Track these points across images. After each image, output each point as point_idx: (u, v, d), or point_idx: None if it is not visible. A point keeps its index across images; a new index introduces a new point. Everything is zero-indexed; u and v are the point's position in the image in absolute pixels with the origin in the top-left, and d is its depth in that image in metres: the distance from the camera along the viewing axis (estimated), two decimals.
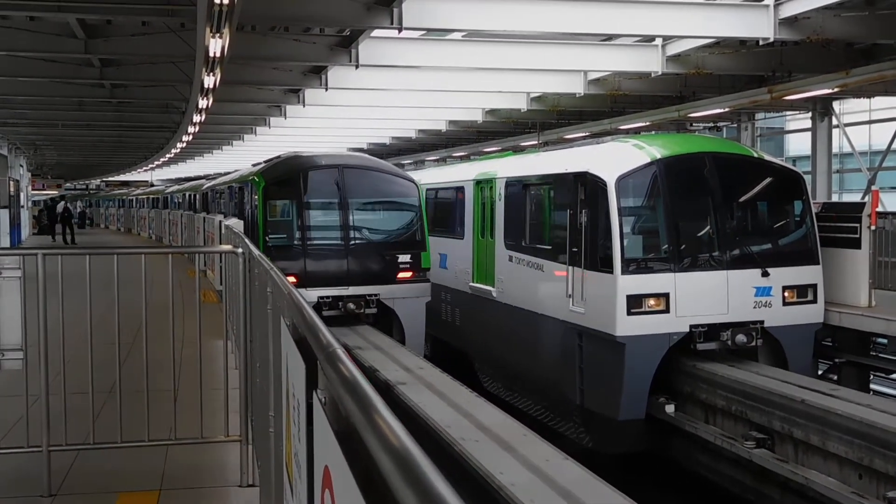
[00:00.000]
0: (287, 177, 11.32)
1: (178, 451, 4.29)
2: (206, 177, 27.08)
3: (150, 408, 4.07)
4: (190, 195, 21.99)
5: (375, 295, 10.64)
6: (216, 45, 7.85)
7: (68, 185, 47.98)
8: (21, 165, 29.38)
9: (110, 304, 4.08)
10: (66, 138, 24.94)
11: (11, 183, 25.18)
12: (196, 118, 14.73)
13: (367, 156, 12.86)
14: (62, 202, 31.18)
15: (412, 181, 11.52)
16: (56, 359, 3.91)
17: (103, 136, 23.56)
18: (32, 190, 36.47)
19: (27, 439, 3.94)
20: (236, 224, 9.45)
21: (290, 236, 10.98)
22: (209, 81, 10.07)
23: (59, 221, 28.87)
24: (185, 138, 19.93)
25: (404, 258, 10.84)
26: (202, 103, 12.33)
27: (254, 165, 14.91)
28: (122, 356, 4.15)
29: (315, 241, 10.92)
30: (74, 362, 4.09)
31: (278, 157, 12.70)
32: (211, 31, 7.28)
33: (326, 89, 13.49)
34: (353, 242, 10.90)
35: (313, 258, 10.72)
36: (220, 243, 9.43)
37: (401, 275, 10.80)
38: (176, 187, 29.72)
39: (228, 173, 21.21)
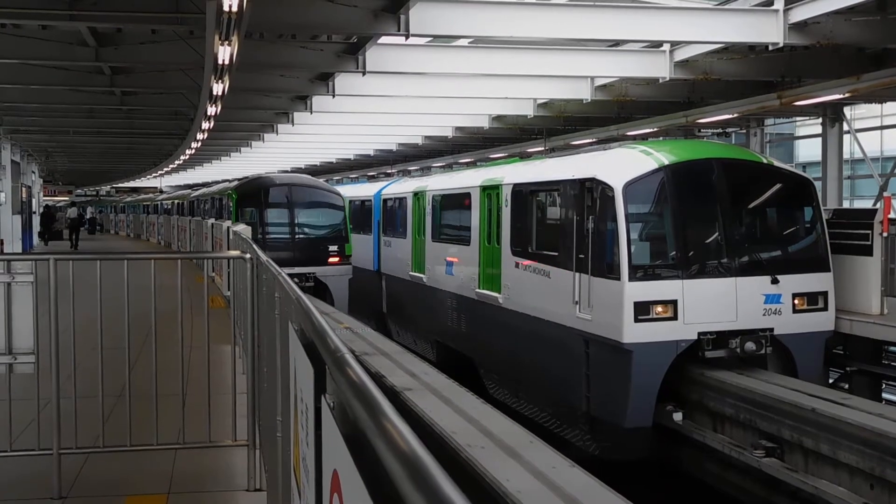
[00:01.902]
0: (253, 191, 16.47)
1: (186, 455, 4.31)
2: (191, 187, 34.41)
3: (159, 412, 4.09)
4: (178, 203, 27.36)
5: (313, 273, 15.17)
6: (225, 53, 7.90)
7: (79, 191, 48.43)
8: (33, 172, 29.65)
9: (120, 309, 4.11)
10: (77, 145, 25.15)
11: (24, 189, 25.41)
12: (205, 125, 14.84)
13: (309, 177, 19.12)
14: (74, 208, 31.76)
15: (339, 194, 16.64)
16: (67, 363, 3.94)
17: (114, 142, 23.74)
18: (44, 196, 36.82)
19: (38, 442, 3.97)
20: (244, 230, 9.50)
21: (255, 232, 14.80)
22: (218, 89, 10.14)
23: (68, 227, 29.33)
24: (193, 145, 20.06)
25: (333, 248, 15.60)
26: (211, 110, 12.41)
27: (230, 182, 20.42)
28: (131, 360, 4.18)
29: (271, 236, 15.60)
30: (85, 366, 4.11)
31: (247, 177, 18.54)
32: (219, 39, 7.33)
33: (333, 96, 13.55)
34: (297, 237, 15.87)
35: (270, 248, 14.39)
36: (228, 249, 9.48)
37: (330, 260, 15.50)
38: (165, 196, 35.55)
39: (209, 185, 28.92)
